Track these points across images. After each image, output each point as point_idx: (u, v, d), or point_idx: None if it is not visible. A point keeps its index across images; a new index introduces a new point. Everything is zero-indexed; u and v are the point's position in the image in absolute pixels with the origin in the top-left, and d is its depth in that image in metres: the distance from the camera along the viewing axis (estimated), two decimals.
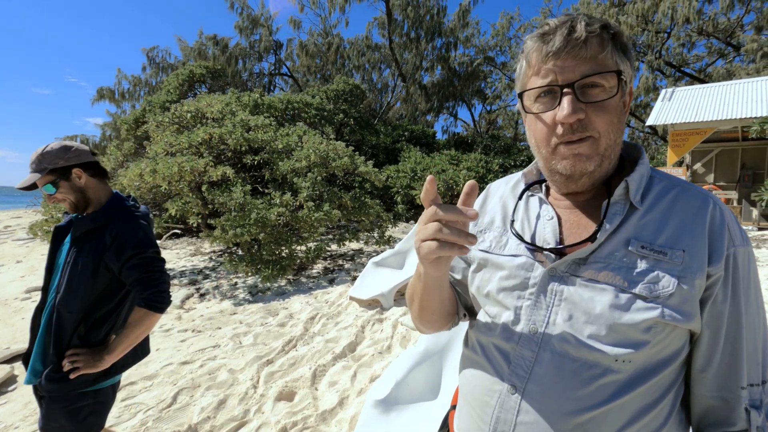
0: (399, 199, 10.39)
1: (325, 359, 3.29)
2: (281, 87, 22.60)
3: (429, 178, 0.58)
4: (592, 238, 0.67)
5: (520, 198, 0.82)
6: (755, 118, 8.88)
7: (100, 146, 20.26)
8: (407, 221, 10.34)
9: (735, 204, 10.40)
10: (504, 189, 0.88)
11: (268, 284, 5.44)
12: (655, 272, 0.63)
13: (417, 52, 20.80)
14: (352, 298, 4.59)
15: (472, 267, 0.84)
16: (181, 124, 7.18)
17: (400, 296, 4.63)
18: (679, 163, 11.35)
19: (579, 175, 0.68)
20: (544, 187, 0.81)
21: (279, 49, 21.66)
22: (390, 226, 7.13)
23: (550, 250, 0.70)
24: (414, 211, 10.37)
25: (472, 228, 0.88)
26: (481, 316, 0.80)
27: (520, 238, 0.75)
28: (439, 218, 0.57)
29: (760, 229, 8.94)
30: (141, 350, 1.70)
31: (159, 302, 1.50)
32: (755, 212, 9.51)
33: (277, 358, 3.41)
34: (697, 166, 11.99)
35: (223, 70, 14.69)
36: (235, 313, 4.67)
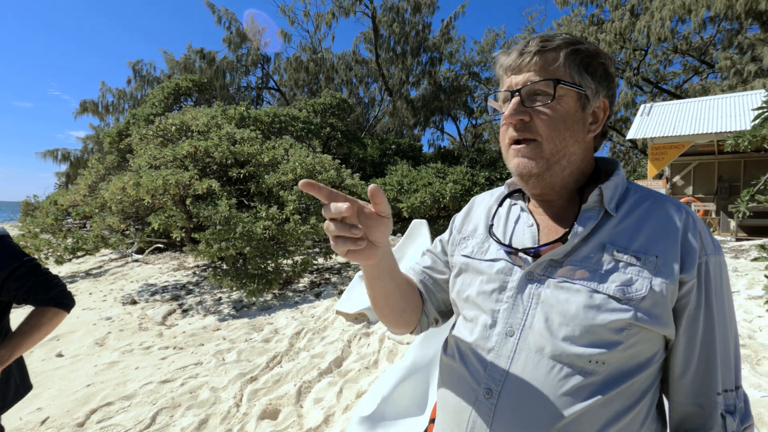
0: None
1: (310, 375, 3.22)
2: (268, 101, 22.62)
3: (304, 182, 0.58)
4: (563, 238, 0.70)
5: (500, 204, 0.86)
6: (730, 132, 9.19)
7: (82, 159, 19.91)
8: (394, 234, 10.33)
9: (713, 215, 10.67)
10: (489, 200, 0.92)
11: (254, 299, 5.35)
12: (629, 275, 0.65)
13: (403, 66, 21.10)
14: (338, 312, 4.53)
15: (454, 272, 0.87)
16: (166, 137, 7.10)
17: None
18: (659, 176, 11.64)
19: (527, 176, 0.73)
20: (525, 196, 0.85)
21: (266, 63, 21.75)
22: None
23: (524, 250, 0.74)
24: (401, 223, 10.37)
25: (455, 235, 0.92)
26: (460, 321, 0.82)
27: (499, 241, 0.79)
28: (326, 216, 0.61)
29: (737, 239, 9.17)
30: (23, 387, 1.60)
31: (68, 299, 1.50)
32: (733, 223, 9.77)
33: (261, 375, 3.33)
34: (677, 178, 12.31)
35: (209, 84, 14.65)
36: (218, 329, 4.57)
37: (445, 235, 0.96)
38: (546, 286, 0.70)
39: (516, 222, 0.81)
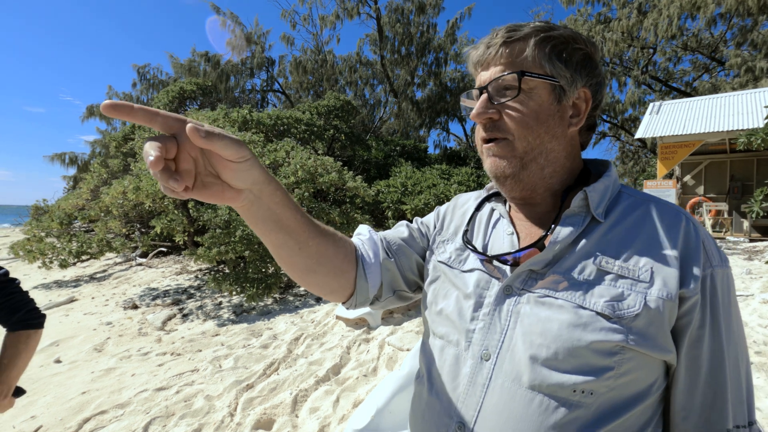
0: (389, 213, 10.31)
1: (307, 383, 3.14)
2: (273, 103, 22.67)
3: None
4: (539, 245, 0.61)
5: (478, 209, 0.78)
6: (742, 130, 8.98)
7: (90, 163, 20.10)
8: None
9: (726, 216, 10.42)
10: (470, 201, 0.83)
11: (254, 303, 5.29)
12: (620, 289, 0.56)
13: (408, 68, 21.01)
14: (338, 317, 4.45)
15: (429, 277, 0.77)
16: None
17: (388, 314, 4.50)
18: (669, 176, 11.41)
19: (501, 176, 0.66)
20: (505, 200, 0.77)
21: (271, 66, 21.79)
22: None
23: (497, 257, 0.64)
24: None
25: (440, 233, 0.81)
26: (430, 339, 0.72)
27: (473, 248, 0.69)
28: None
29: (751, 240, 8.93)
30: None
31: (36, 318, 1.45)
32: (746, 224, 9.52)
33: (258, 382, 3.26)
34: (687, 178, 12.06)
35: (214, 87, 14.69)
36: (217, 335, 4.51)
37: (430, 222, 0.84)
38: (526, 301, 0.60)
39: (494, 227, 0.73)
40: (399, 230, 0.84)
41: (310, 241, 0.66)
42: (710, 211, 10.48)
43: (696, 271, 0.56)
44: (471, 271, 0.69)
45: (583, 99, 0.67)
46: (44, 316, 1.49)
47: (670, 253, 0.57)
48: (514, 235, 0.69)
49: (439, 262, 0.76)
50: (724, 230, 10.20)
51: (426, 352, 0.72)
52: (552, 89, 0.64)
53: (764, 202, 8.18)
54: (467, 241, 0.72)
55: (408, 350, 3.49)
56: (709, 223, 10.22)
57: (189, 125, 0.46)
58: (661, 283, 0.55)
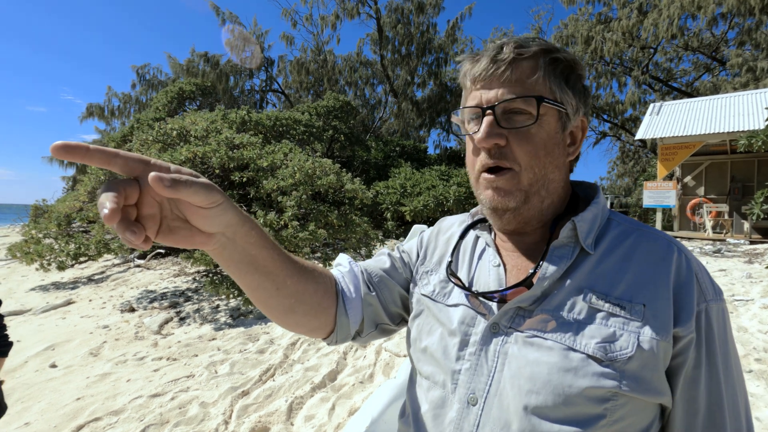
0: (389, 215, 10.29)
1: (303, 390, 3.12)
2: (273, 103, 22.66)
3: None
4: (527, 282, 0.58)
5: (462, 237, 0.73)
6: (743, 131, 8.94)
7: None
8: (397, 238, 10.21)
9: (726, 217, 10.39)
10: (455, 227, 0.78)
11: (251, 307, 5.27)
12: (612, 329, 0.53)
13: (408, 68, 20.98)
14: None
15: (413, 312, 0.73)
16: (166, 142, 7.07)
17: None
18: (670, 177, 11.37)
19: (501, 210, 0.62)
20: (490, 228, 0.72)
21: (270, 66, 21.76)
22: (378, 244, 6.99)
23: (484, 294, 0.61)
24: (404, 227, 10.25)
25: (423, 264, 0.77)
26: (417, 378, 0.68)
27: (459, 282, 0.65)
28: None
29: (751, 242, 8.90)
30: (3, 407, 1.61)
31: (3, 347, 1.45)
32: (746, 225, 9.49)
33: (254, 388, 3.23)
34: (688, 179, 12.03)
35: (213, 87, 14.66)
36: (214, 339, 4.49)
37: (413, 251, 0.80)
38: (513, 341, 0.57)
39: (480, 258, 0.69)
40: (380, 260, 0.80)
41: (288, 281, 0.62)
42: (711, 212, 10.44)
43: (690, 307, 0.53)
44: (456, 305, 0.66)
45: (580, 128, 0.65)
46: (11, 344, 1.49)
47: (662, 288, 0.54)
48: (501, 267, 0.65)
49: (423, 295, 0.72)
50: (724, 232, 10.16)
51: (412, 392, 0.69)
52: (559, 117, 0.61)
53: (765, 204, 8.14)
54: (452, 273, 0.68)
55: (405, 356, 3.47)
56: (709, 224, 10.18)
57: (152, 175, 0.40)
58: (654, 321, 0.52)
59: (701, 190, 11.79)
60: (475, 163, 0.63)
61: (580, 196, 0.68)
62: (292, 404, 2.94)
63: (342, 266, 0.77)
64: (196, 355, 4.03)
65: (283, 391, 3.14)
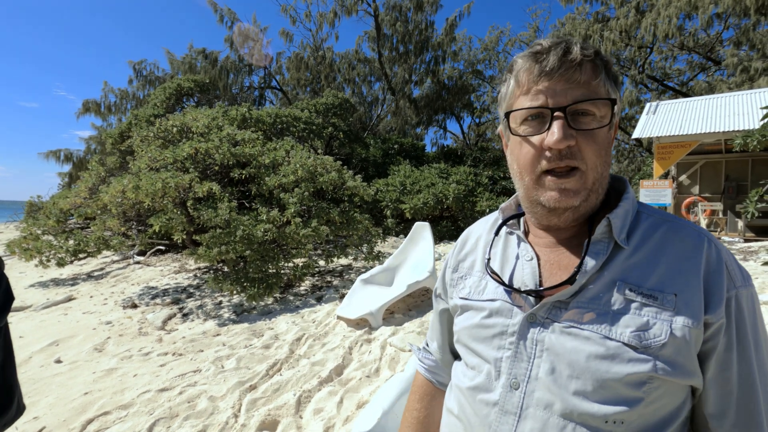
0: (388, 212, 10.32)
1: (310, 384, 3.16)
2: (271, 100, 22.57)
3: None
4: (570, 280, 0.61)
5: (496, 233, 0.77)
6: (738, 131, 9.05)
7: (85, 160, 19.94)
8: (397, 235, 10.26)
9: (720, 215, 10.52)
10: (482, 228, 0.82)
11: (254, 303, 5.29)
12: (645, 318, 0.56)
13: (406, 65, 20.97)
14: (339, 318, 4.47)
15: (456, 314, 0.77)
16: (166, 139, 7.05)
17: (389, 315, 4.53)
18: (665, 176, 11.49)
19: (563, 209, 0.64)
20: (522, 223, 0.75)
21: (269, 63, 21.66)
22: (379, 241, 7.03)
23: (528, 292, 0.64)
24: (404, 225, 10.29)
25: (450, 275, 0.82)
26: (461, 368, 0.73)
27: (498, 278, 0.69)
28: None
29: (746, 240, 9.02)
30: (22, 406, 1.55)
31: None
32: (740, 224, 9.62)
33: (261, 383, 3.27)
34: (683, 178, 12.15)
35: (212, 84, 14.60)
36: (218, 334, 4.51)
37: (438, 288, 0.88)
38: (551, 331, 0.61)
39: (516, 257, 0.72)
40: (435, 327, 0.91)
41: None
42: (705, 210, 10.57)
43: (720, 294, 0.57)
44: (493, 300, 0.70)
45: (615, 125, 0.68)
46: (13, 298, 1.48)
47: (693, 277, 0.58)
48: (534, 260, 0.69)
49: (461, 298, 0.76)
50: (718, 230, 10.29)
51: (458, 378, 0.73)
52: (612, 116, 0.63)
53: (759, 203, 8.26)
54: (492, 271, 0.72)
55: (410, 351, 3.51)
56: (704, 222, 10.31)
57: None
58: (686, 310, 0.56)
59: (696, 189, 11.92)
60: (536, 164, 0.63)
61: (609, 189, 0.71)
62: (300, 398, 2.98)
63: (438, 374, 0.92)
64: (202, 351, 4.06)
65: (291, 385, 3.18)
